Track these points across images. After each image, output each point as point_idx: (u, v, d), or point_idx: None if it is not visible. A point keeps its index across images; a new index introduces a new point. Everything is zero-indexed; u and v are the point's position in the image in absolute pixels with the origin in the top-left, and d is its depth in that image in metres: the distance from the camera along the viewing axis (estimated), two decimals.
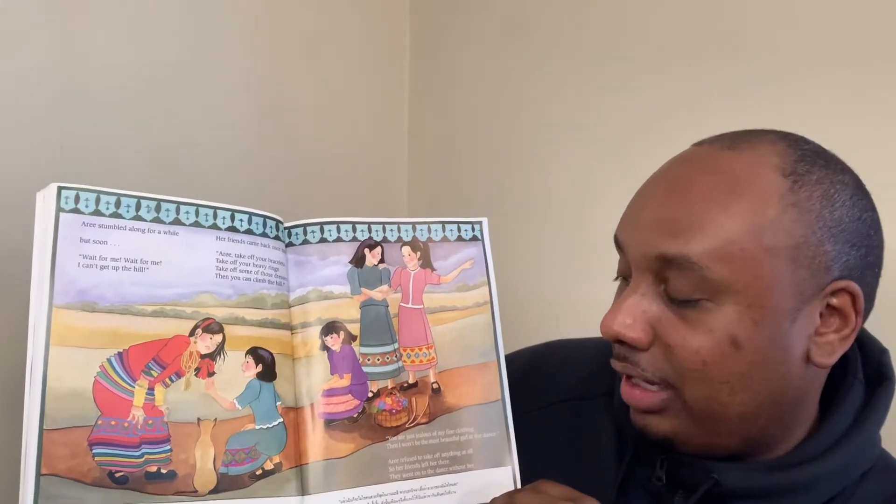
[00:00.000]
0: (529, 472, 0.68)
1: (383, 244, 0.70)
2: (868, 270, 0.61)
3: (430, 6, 1.34)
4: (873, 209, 0.62)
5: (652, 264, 0.60)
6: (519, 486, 0.68)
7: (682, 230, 0.59)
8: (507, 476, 0.69)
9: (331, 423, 0.64)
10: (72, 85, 0.91)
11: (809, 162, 0.60)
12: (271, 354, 0.63)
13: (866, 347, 0.67)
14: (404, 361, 0.69)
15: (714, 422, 0.61)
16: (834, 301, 0.59)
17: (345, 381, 0.66)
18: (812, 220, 0.58)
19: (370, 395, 0.66)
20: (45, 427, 0.54)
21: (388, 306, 0.69)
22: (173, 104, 1.03)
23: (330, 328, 0.66)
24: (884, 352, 0.66)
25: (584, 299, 0.96)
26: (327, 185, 1.24)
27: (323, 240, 0.68)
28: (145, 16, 0.99)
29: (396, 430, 0.67)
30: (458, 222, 0.73)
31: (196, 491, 0.58)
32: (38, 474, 0.53)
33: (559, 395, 0.76)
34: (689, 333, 0.59)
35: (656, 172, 0.64)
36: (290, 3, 1.17)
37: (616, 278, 0.66)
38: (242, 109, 1.12)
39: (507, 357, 0.82)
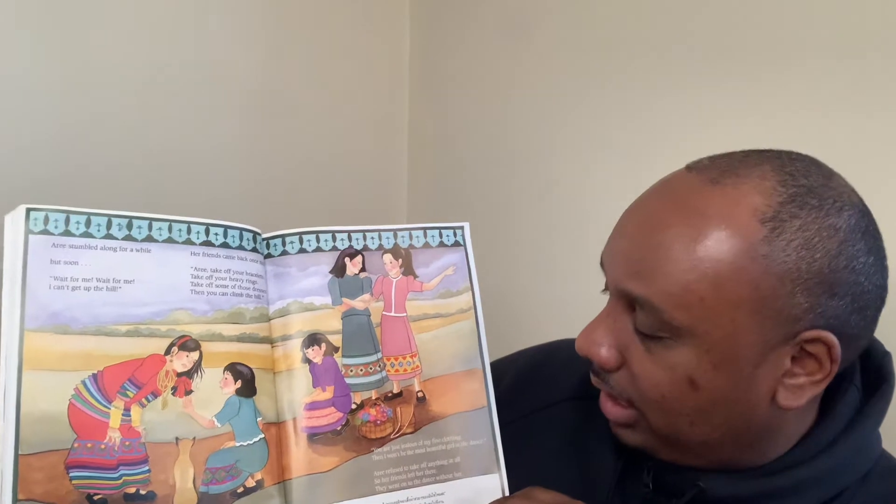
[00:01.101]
0: (533, 472, 0.68)
1: (364, 252, 0.69)
2: (854, 315, 0.57)
3: (430, 6, 1.33)
4: (868, 252, 0.57)
5: (622, 294, 0.60)
6: (507, 493, 0.68)
7: (646, 272, 0.58)
8: (495, 483, 0.68)
9: (314, 436, 0.64)
10: (63, 91, 0.91)
11: (798, 204, 0.56)
12: (251, 370, 0.62)
13: (868, 351, 0.65)
14: (388, 371, 0.68)
15: (679, 445, 0.62)
16: (808, 347, 0.57)
17: (327, 393, 0.65)
18: (783, 273, 0.55)
19: (353, 406, 0.66)
20: (20, 452, 0.53)
21: (370, 315, 0.68)
22: (172, 108, 1.03)
23: (311, 340, 0.66)
24: (886, 355, 0.65)
25: (580, 301, 0.95)
26: (327, 187, 1.24)
27: (302, 250, 0.67)
28: (143, 19, 0.98)
29: (381, 442, 0.66)
30: (439, 228, 0.72)
31: None
32: (15, 500, 0.53)
33: (561, 395, 0.76)
34: (651, 366, 0.59)
35: (641, 196, 0.63)
36: (290, 5, 1.17)
37: (603, 290, 0.65)
38: (242, 111, 1.12)
39: (511, 356, 0.83)
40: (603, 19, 1.11)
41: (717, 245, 0.56)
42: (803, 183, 0.57)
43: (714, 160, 0.61)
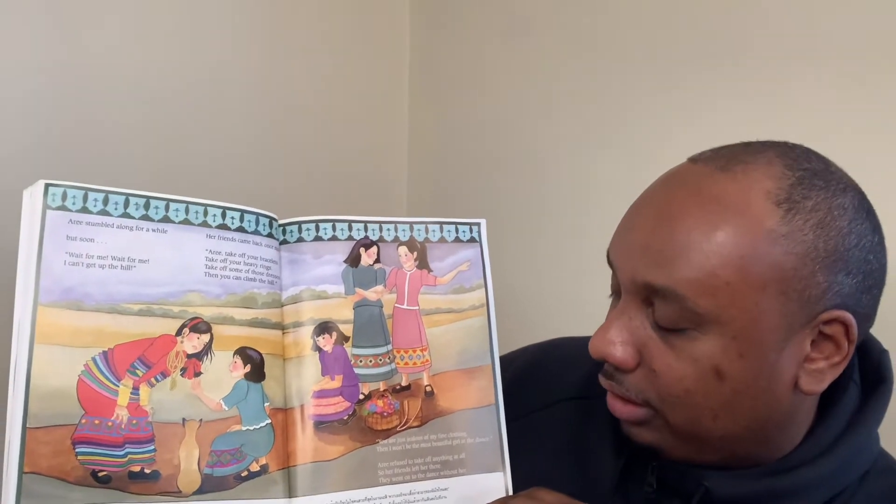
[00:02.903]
0: (534, 472, 0.67)
1: (379, 244, 0.69)
2: (865, 294, 0.58)
3: (430, 6, 1.33)
4: (873, 231, 0.59)
5: (639, 290, 0.59)
6: (511, 492, 0.67)
7: (666, 261, 0.57)
8: (499, 482, 0.68)
9: (320, 424, 0.64)
10: (67, 83, 0.91)
11: (807, 186, 0.57)
12: (260, 355, 0.62)
13: (866, 348, 0.65)
14: (397, 363, 0.68)
15: (697, 441, 0.61)
16: (826, 329, 0.57)
17: (336, 382, 0.65)
18: (803, 252, 0.56)
19: (361, 397, 0.66)
20: (28, 425, 0.54)
21: (382, 307, 0.68)
22: (173, 104, 1.03)
23: (322, 328, 0.65)
24: (884, 353, 0.65)
25: (582, 301, 0.95)
26: (327, 185, 1.24)
27: (318, 238, 0.67)
28: (145, 15, 0.99)
29: (387, 434, 0.66)
30: (456, 223, 0.72)
31: (180, 491, 0.58)
32: (21, 472, 0.53)
33: (563, 394, 0.75)
34: (674, 360, 0.58)
35: (648, 190, 0.62)
36: (291, 4, 1.17)
37: (610, 294, 0.65)
38: (243, 109, 1.12)
39: (510, 355, 0.82)
40: (603, 19, 1.10)
41: (737, 229, 0.56)
42: (807, 167, 0.58)
43: (716, 151, 0.61)
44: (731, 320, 0.56)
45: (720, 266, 0.56)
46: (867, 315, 0.60)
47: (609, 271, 0.64)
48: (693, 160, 0.62)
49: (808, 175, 0.58)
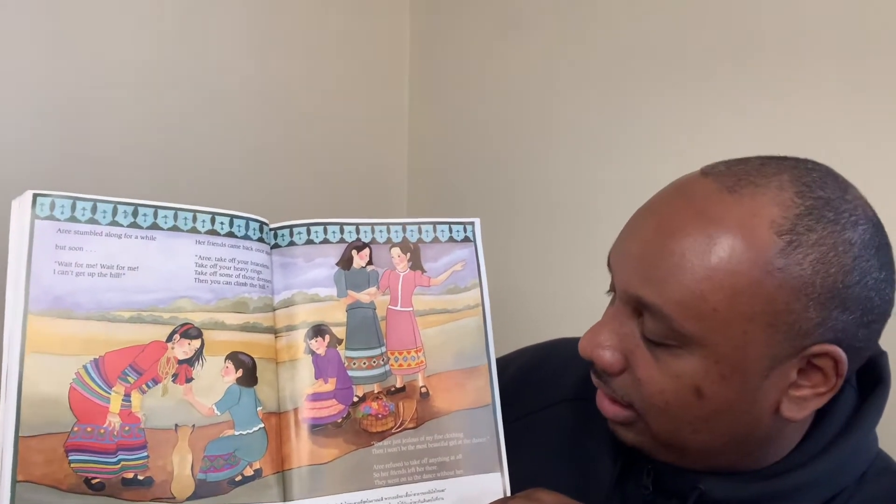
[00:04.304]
0: (531, 473, 0.67)
1: (372, 245, 0.69)
2: (862, 329, 0.56)
3: (430, 6, 1.33)
4: (881, 267, 0.56)
5: (631, 300, 0.59)
6: (508, 493, 0.67)
7: (658, 278, 0.56)
8: (496, 483, 0.67)
9: (315, 428, 0.63)
10: (62, 89, 0.92)
11: (815, 217, 0.55)
12: (252, 359, 0.62)
13: None
14: (392, 365, 0.67)
15: (678, 449, 0.61)
16: (815, 361, 0.56)
17: (329, 385, 0.65)
18: (798, 287, 0.54)
19: (355, 399, 0.65)
20: (20, 434, 0.54)
21: (375, 309, 0.68)
22: (173, 105, 1.04)
23: (315, 331, 0.65)
24: (881, 354, 0.64)
25: (583, 301, 0.94)
26: (327, 185, 1.24)
27: (309, 241, 0.67)
28: (145, 16, 1.00)
29: (382, 436, 0.65)
30: (449, 223, 0.72)
31: (173, 497, 0.58)
32: (14, 481, 0.53)
33: (561, 395, 0.75)
34: (657, 372, 0.58)
35: (655, 197, 0.61)
36: (291, 4, 1.17)
37: (608, 291, 0.64)
38: (243, 110, 1.12)
39: (509, 356, 0.82)
40: (603, 18, 1.10)
41: (733, 256, 0.54)
42: (820, 195, 0.56)
43: (730, 166, 0.59)
44: (716, 345, 0.55)
45: (710, 291, 0.55)
46: (863, 348, 0.58)
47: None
48: (705, 173, 0.59)
49: (819, 205, 0.55)
